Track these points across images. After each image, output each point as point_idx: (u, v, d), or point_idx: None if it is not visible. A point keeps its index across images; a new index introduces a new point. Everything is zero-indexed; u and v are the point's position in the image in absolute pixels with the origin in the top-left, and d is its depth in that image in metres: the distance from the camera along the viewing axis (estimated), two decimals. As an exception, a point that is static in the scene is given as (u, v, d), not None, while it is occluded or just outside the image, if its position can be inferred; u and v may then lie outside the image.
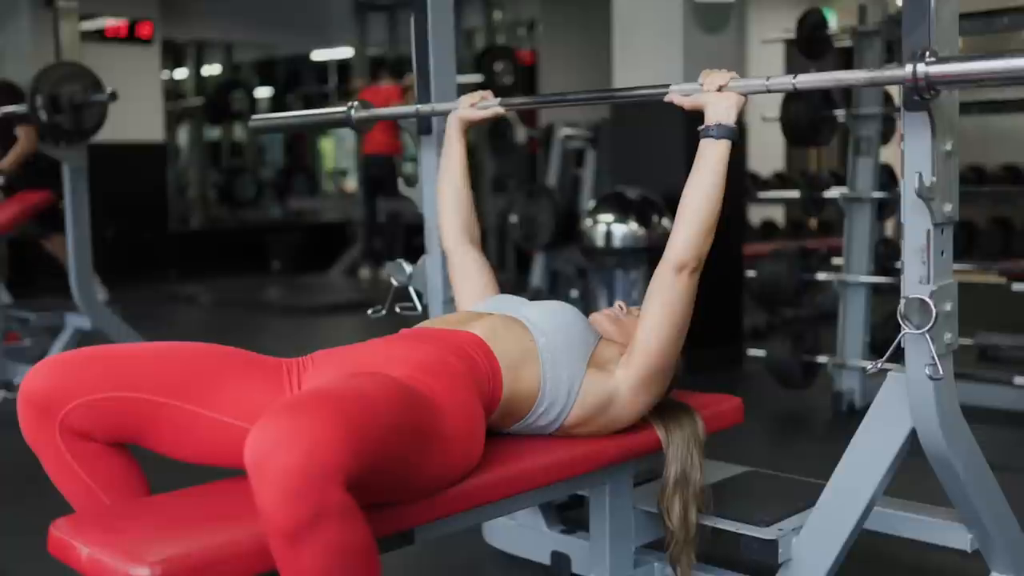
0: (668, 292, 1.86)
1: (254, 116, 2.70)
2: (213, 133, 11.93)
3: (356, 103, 2.48)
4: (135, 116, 8.27)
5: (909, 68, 1.62)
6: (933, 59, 1.61)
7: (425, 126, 2.50)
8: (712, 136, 1.86)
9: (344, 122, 2.47)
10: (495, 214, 7.99)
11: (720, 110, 1.85)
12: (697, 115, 1.91)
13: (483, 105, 2.23)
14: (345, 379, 1.60)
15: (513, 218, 5.79)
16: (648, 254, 4.16)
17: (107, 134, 4.71)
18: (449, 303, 2.50)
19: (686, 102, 1.91)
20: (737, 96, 1.85)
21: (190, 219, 10.93)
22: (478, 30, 9.47)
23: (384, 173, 8.39)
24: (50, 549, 1.50)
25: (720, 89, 1.85)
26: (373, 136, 8.37)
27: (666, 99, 1.94)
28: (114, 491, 1.67)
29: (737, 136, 1.86)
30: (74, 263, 4.37)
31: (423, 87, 2.49)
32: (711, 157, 1.85)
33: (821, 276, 4.13)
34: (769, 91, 1.84)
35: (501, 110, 2.23)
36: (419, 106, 2.43)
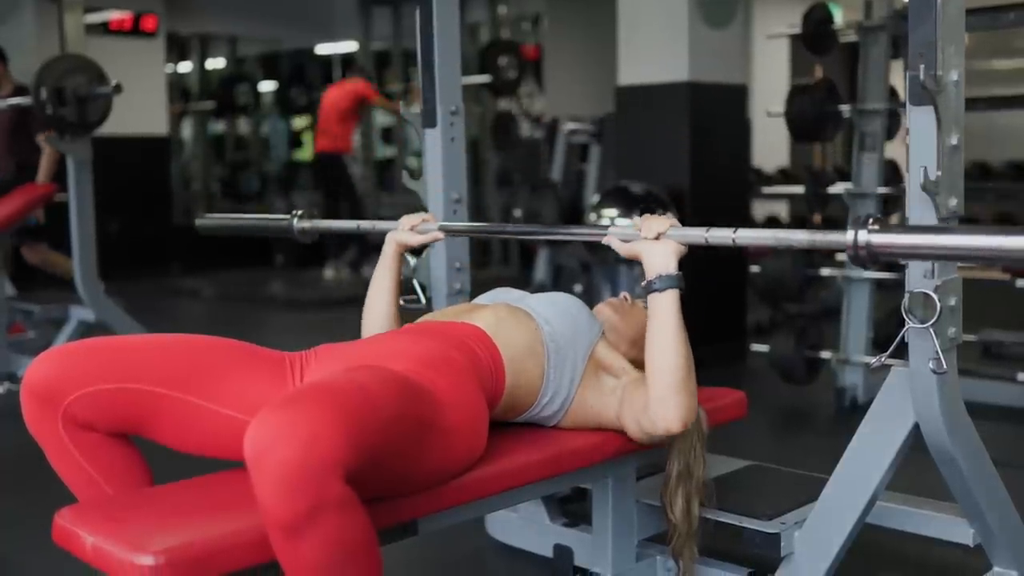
0: (651, 439, 1.88)
1: (205, 216, 2.61)
2: (217, 127, 11.93)
3: (300, 212, 2.38)
4: (139, 110, 8.27)
5: (851, 235, 1.53)
6: (876, 227, 1.52)
7: (430, 120, 2.50)
8: (657, 290, 1.77)
9: (286, 231, 2.38)
10: (499, 209, 7.99)
11: (658, 261, 1.78)
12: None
13: (423, 229, 2.15)
14: (345, 373, 1.60)
15: (517, 212, 5.79)
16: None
17: (111, 127, 4.71)
18: (454, 296, 2.50)
19: (623, 248, 1.83)
20: (675, 244, 1.78)
21: (194, 213, 10.93)
22: (483, 25, 9.45)
23: (335, 172, 8.14)
24: (54, 538, 1.51)
25: (658, 237, 1.78)
26: (323, 132, 8.21)
27: (603, 241, 1.87)
28: (117, 481, 1.67)
29: (683, 284, 1.77)
30: (78, 256, 4.37)
31: (428, 82, 2.49)
32: (662, 312, 1.77)
33: (825, 272, 4.12)
34: (708, 243, 1.74)
35: (440, 235, 2.15)
36: (360, 223, 2.34)
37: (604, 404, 1.92)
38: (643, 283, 1.80)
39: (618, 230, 1.85)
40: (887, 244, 1.51)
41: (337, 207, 8.05)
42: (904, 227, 1.55)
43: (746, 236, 1.71)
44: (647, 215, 1.83)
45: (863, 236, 1.52)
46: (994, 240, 1.41)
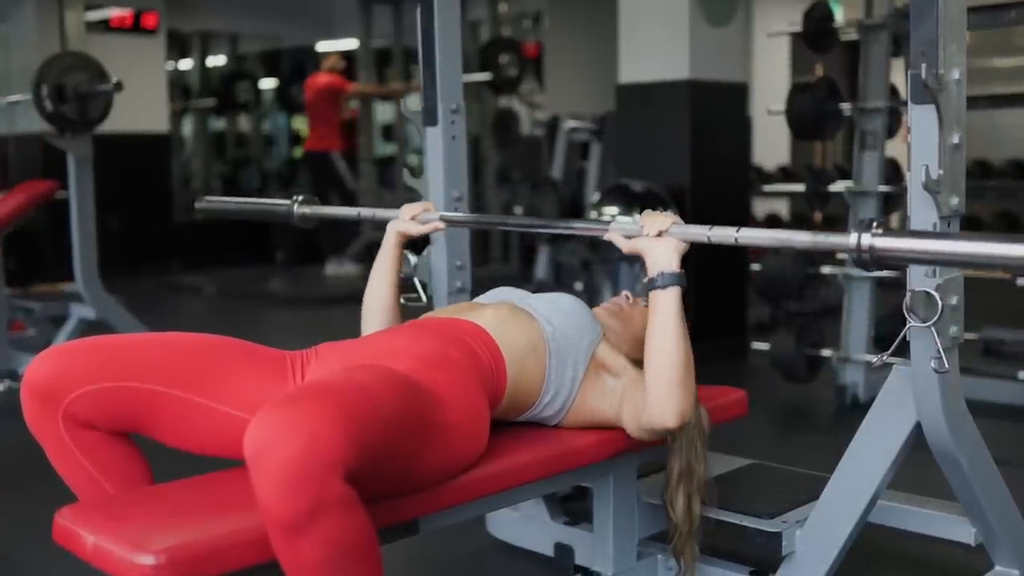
0: (650, 436, 1.87)
1: (203, 198, 2.62)
2: (218, 124, 11.93)
3: (300, 198, 2.38)
4: (140, 107, 8.26)
5: (854, 238, 1.53)
6: (880, 231, 1.51)
7: (431, 118, 2.50)
8: (659, 287, 1.76)
9: (286, 216, 2.38)
10: (499, 206, 7.98)
11: (660, 258, 1.76)
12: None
13: (424, 219, 2.14)
14: (345, 371, 1.60)
15: (518, 210, 5.78)
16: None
17: (112, 125, 4.71)
18: (455, 294, 2.50)
19: (625, 245, 1.81)
20: (677, 242, 1.76)
21: (194, 210, 10.90)
22: (483, 23, 9.45)
23: (323, 170, 8.10)
24: (55, 537, 1.51)
25: (660, 234, 1.78)
26: (311, 131, 8.20)
27: (605, 237, 1.85)
28: (117, 480, 1.67)
29: (684, 281, 1.76)
30: (79, 253, 4.37)
31: (429, 79, 2.49)
32: (664, 309, 1.76)
33: (825, 270, 4.12)
34: (710, 241, 1.73)
35: (442, 225, 2.14)
36: (361, 210, 2.35)
37: (605, 404, 1.92)
38: (645, 280, 1.79)
39: (620, 226, 1.84)
40: (890, 248, 1.51)
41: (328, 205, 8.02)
42: (907, 232, 1.54)
43: (749, 236, 1.70)
44: (649, 212, 1.82)
45: (866, 239, 1.52)
46: (997, 247, 1.40)
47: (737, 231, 1.70)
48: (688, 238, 1.76)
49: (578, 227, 2.05)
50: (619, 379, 1.92)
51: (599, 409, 1.93)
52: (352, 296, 7.38)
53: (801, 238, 1.64)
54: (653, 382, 1.77)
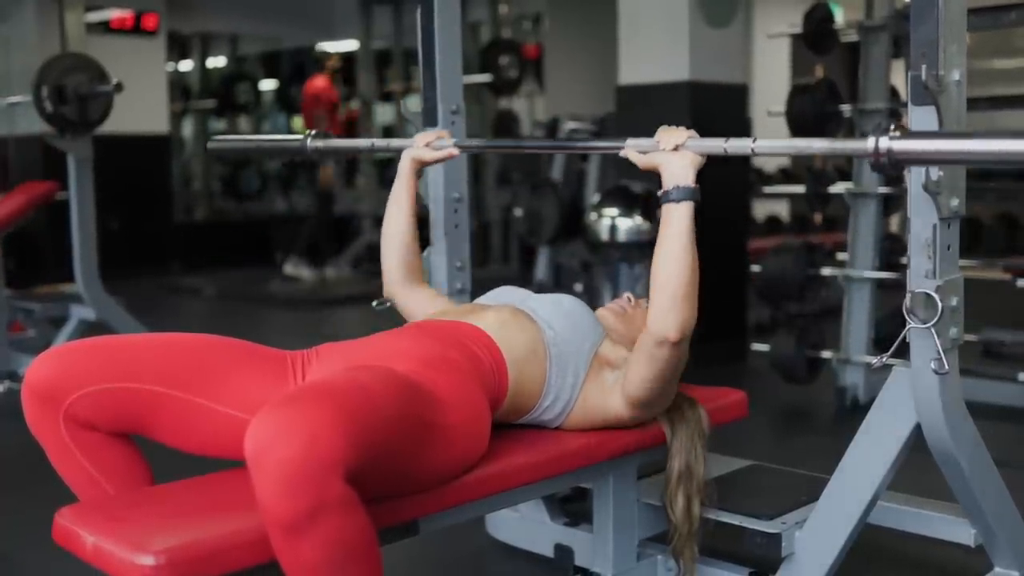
0: (653, 360, 1.81)
1: (213, 137, 2.61)
2: (218, 125, 11.93)
3: (311, 132, 2.36)
4: (140, 108, 8.26)
5: (872, 142, 1.52)
6: (898, 134, 1.51)
7: (431, 119, 2.50)
8: (673, 200, 1.76)
9: (299, 151, 2.37)
10: (499, 208, 7.98)
11: (676, 171, 1.76)
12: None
13: (438, 145, 2.17)
14: (345, 372, 1.60)
15: (518, 212, 5.78)
16: (652, 248, 4.16)
17: (112, 126, 4.71)
18: (455, 295, 2.50)
19: (641, 160, 1.82)
20: (693, 156, 1.77)
21: (195, 211, 10.93)
22: (484, 24, 9.45)
23: (307, 170, 8.19)
24: (55, 538, 1.51)
25: (676, 148, 1.78)
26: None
27: (621, 154, 1.86)
28: (118, 480, 1.67)
29: (699, 196, 1.76)
30: (79, 254, 4.37)
31: (429, 81, 2.49)
32: (675, 222, 1.76)
33: (826, 271, 4.12)
34: (727, 153, 1.74)
35: (456, 151, 2.16)
36: (375, 141, 2.37)
37: (606, 398, 1.91)
38: (659, 192, 1.79)
39: (636, 143, 1.84)
40: (907, 150, 1.51)
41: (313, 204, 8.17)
42: (924, 133, 1.54)
43: (765, 146, 1.72)
44: (665, 127, 1.83)
45: (884, 143, 1.52)
46: (1013, 144, 1.41)
47: (753, 141, 1.72)
48: (704, 151, 1.77)
49: (595, 146, 2.07)
50: (619, 369, 1.92)
51: (601, 405, 1.92)
52: (352, 298, 7.32)
53: (819, 144, 1.65)
54: (658, 292, 1.76)
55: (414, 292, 2.19)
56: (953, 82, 1.73)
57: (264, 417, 1.37)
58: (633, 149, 1.83)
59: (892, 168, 1.53)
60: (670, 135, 1.80)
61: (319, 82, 8.32)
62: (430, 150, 2.17)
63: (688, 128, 1.81)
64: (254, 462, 1.35)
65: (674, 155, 1.78)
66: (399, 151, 2.23)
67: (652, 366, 1.81)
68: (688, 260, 1.75)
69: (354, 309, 6.92)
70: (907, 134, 1.51)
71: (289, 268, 8.40)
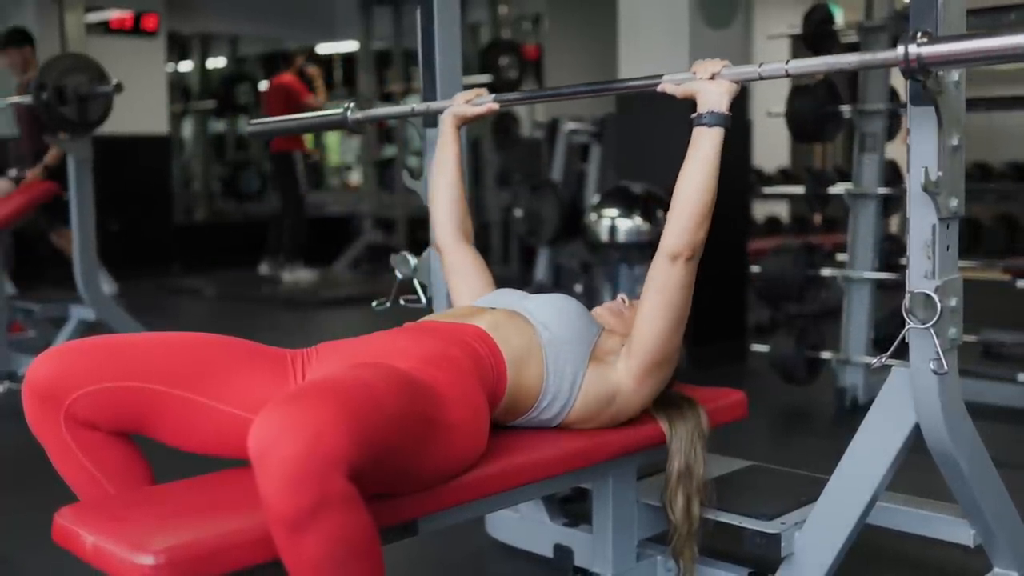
0: (664, 281, 1.86)
1: (252, 121, 2.68)
2: (218, 126, 11.94)
3: (351, 105, 2.45)
4: (140, 109, 8.27)
5: (901, 49, 1.58)
6: (925, 40, 1.57)
7: (431, 120, 2.50)
8: (705, 124, 1.84)
9: (341, 124, 2.45)
10: (499, 208, 7.98)
11: (712, 98, 1.84)
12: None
13: (478, 102, 2.23)
14: (348, 369, 1.60)
15: (517, 212, 5.78)
16: (652, 249, 4.14)
17: (112, 127, 4.71)
18: (454, 296, 2.50)
19: (678, 91, 1.89)
20: (729, 84, 1.84)
21: (194, 212, 10.94)
22: (483, 25, 9.46)
23: (283, 169, 8.11)
24: (54, 537, 1.51)
25: (712, 77, 1.84)
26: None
27: (659, 88, 1.94)
28: (118, 480, 1.67)
29: (730, 124, 1.85)
30: (78, 255, 4.37)
31: (428, 81, 2.49)
32: (704, 145, 1.84)
33: (825, 272, 4.12)
34: (761, 78, 1.81)
35: (496, 106, 2.22)
36: (414, 105, 2.42)
37: (608, 376, 1.92)
38: (692, 116, 1.85)
39: (671, 76, 1.91)
40: (936, 54, 1.56)
41: (285, 206, 8.12)
42: (952, 36, 1.59)
43: (798, 66, 1.76)
44: (700, 60, 1.89)
45: (913, 49, 1.57)
46: None
47: (787, 63, 1.77)
48: (739, 78, 1.84)
49: (632, 83, 2.10)
50: (617, 355, 1.93)
51: (603, 389, 1.92)
52: (352, 297, 7.32)
53: (850, 59, 1.71)
54: (678, 209, 1.84)
55: (466, 250, 2.26)
56: (952, 83, 1.73)
57: (268, 414, 1.37)
58: (670, 82, 1.91)
59: (922, 72, 1.59)
60: (706, 64, 1.86)
61: (285, 78, 8.27)
62: (470, 106, 2.24)
63: (724, 60, 1.87)
64: (258, 459, 1.35)
65: (711, 83, 1.85)
66: (439, 112, 2.31)
67: (661, 288, 1.87)
68: (710, 184, 1.83)
69: (354, 309, 6.93)
70: (934, 39, 1.57)
71: (264, 269, 8.40)
